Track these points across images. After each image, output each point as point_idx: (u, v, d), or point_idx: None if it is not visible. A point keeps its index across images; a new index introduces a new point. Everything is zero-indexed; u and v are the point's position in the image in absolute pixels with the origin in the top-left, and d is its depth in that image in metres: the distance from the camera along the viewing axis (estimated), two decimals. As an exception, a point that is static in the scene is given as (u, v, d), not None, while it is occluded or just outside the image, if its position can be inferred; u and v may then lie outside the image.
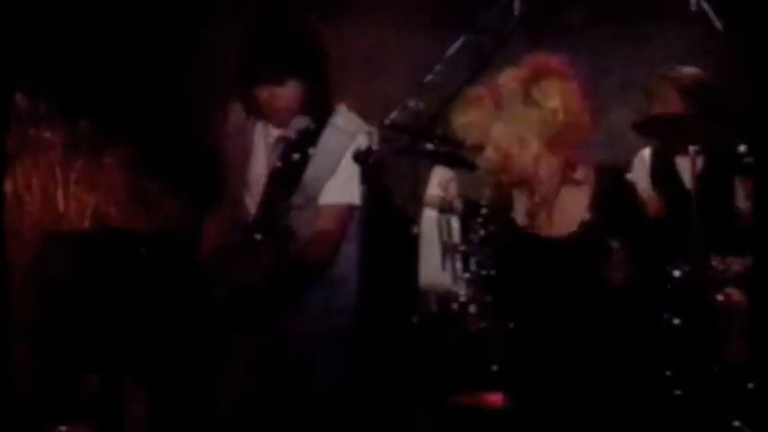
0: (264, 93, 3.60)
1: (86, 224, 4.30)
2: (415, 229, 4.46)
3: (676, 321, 3.69)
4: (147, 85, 4.94)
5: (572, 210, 3.53)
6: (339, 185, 3.65)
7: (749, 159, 4.13)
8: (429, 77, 4.93)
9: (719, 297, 3.94)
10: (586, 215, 3.49)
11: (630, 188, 3.60)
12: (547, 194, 3.51)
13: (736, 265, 4.02)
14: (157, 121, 4.85)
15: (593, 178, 3.53)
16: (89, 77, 4.91)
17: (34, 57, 4.66)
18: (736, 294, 4.00)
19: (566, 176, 3.53)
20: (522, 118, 3.44)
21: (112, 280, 3.84)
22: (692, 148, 3.99)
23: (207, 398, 3.77)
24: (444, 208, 4.11)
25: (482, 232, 3.95)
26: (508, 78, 3.48)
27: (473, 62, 5.31)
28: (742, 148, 4.17)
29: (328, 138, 3.62)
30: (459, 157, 4.42)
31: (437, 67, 4.97)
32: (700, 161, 4.17)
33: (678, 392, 3.64)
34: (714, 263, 3.99)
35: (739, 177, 4.29)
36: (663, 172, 4.55)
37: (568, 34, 5.30)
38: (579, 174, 3.54)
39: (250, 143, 3.71)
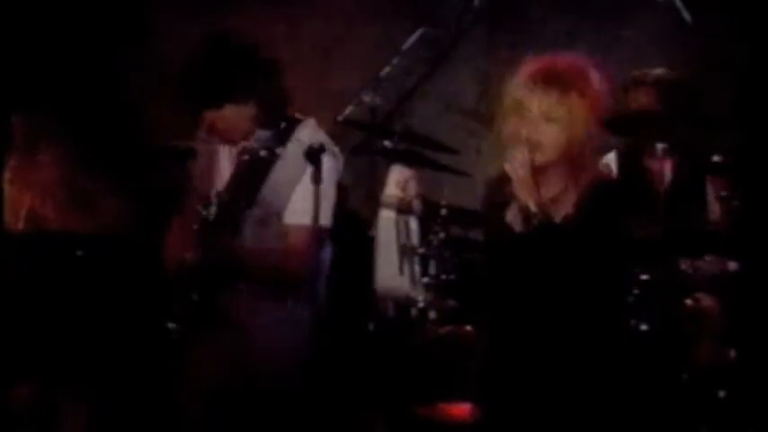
0: (210, 114, 3.63)
1: (21, 226, 4.25)
2: (372, 232, 4.52)
3: (644, 327, 3.68)
4: (83, 76, 4.89)
5: (560, 206, 3.51)
6: (307, 205, 3.65)
7: (720, 159, 4.17)
8: (386, 71, 5.02)
9: (689, 302, 3.91)
10: (570, 210, 3.48)
11: (618, 189, 3.59)
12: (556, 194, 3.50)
13: (706, 267, 4.04)
14: (96, 115, 4.79)
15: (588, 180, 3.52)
16: (20, 68, 4.85)
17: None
18: (705, 299, 3.99)
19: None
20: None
21: (48, 284, 3.83)
22: (659, 147, 3.99)
23: (154, 409, 3.74)
24: (402, 209, 4.09)
25: (442, 234, 3.92)
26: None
27: (431, 55, 5.43)
28: (712, 144, 4.20)
29: (290, 151, 3.65)
30: (418, 154, 4.45)
31: (394, 60, 5.05)
32: (669, 159, 4.15)
33: (645, 400, 3.64)
34: (683, 266, 3.96)
35: (710, 177, 4.32)
36: (631, 173, 4.54)
37: (528, 27, 5.31)
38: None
39: (215, 153, 3.74)
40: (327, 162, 3.64)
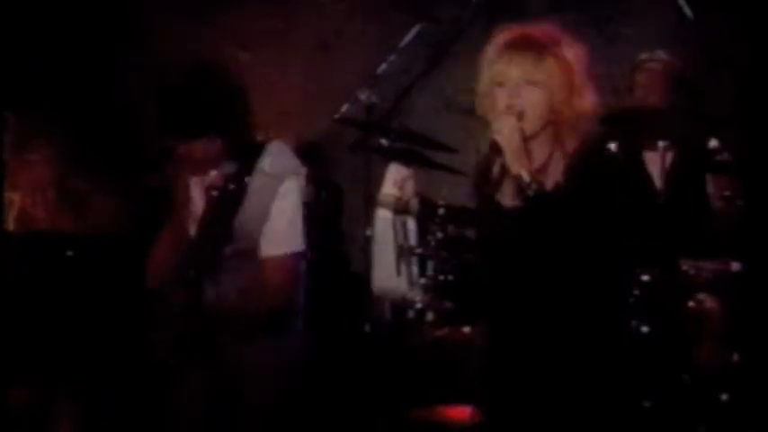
0: (181, 147, 3.61)
1: (11, 226, 4.23)
2: (368, 231, 4.50)
3: (645, 329, 3.69)
4: (78, 75, 4.88)
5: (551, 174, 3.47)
6: (278, 234, 3.63)
7: (723, 156, 4.15)
8: (382, 68, 5.03)
9: (691, 303, 3.92)
10: (560, 178, 3.42)
11: (610, 161, 3.55)
12: (542, 164, 3.44)
13: (709, 268, 4.02)
14: (90, 113, 4.78)
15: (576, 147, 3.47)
16: (15, 66, 4.81)
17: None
18: (708, 301, 3.98)
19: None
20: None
21: (39, 284, 3.80)
22: (661, 144, 4.00)
23: (147, 411, 3.73)
24: (399, 208, 4.07)
25: (440, 234, 3.92)
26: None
27: (429, 52, 5.42)
28: (713, 143, 4.18)
29: (255, 184, 3.62)
30: (416, 153, 4.43)
31: (391, 58, 5.06)
32: (669, 157, 4.18)
33: (647, 404, 3.65)
34: (685, 267, 3.96)
35: (712, 175, 4.30)
36: (629, 169, 4.52)
37: (528, 22, 5.26)
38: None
39: (186, 187, 3.72)
40: (289, 185, 3.63)
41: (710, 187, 4.26)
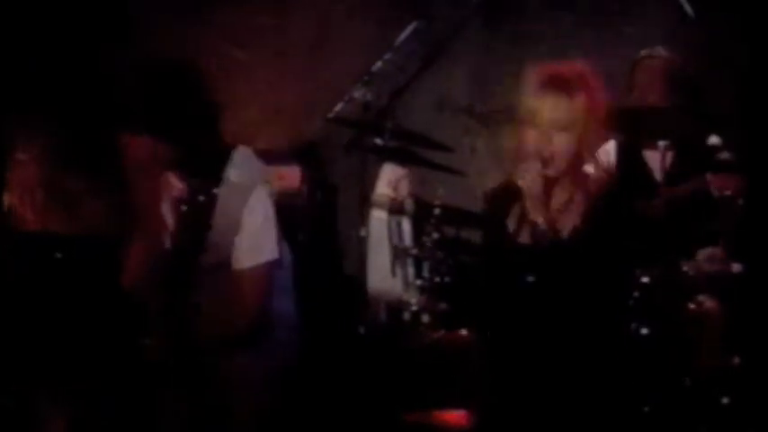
0: (134, 141, 3.60)
1: (-3, 227, 4.21)
2: (363, 232, 4.49)
3: (645, 331, 3.68)
4: (68, 72, 4.85)
5: (566, 216, 3.47)
6: (249, 245, 3.60)
7: (724, 155, 4.13)
8: (378, 66, 4.97)
9: (691, 305, 3.91)
10: (578, 221, 3.43)
11: (624, 197, 3.53)
12: (563, 203, 3.46)
13: (709, 269, 4.00)
14: (80, 111, 4.74)
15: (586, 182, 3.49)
16: (3, 64, 4.76)
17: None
18: (708, 302, 3.97)
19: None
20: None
21: (27, 286, 3.72)
22: (661, 143, 3.98)
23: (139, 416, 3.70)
24: (394, 209, 4.09)
25: (436, 235, 3.92)
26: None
27: (425, 50, 5.36)
28: (714, 140, 4.16)
29: (224, 195, 3.59)
30: (411, 152, 4.41)
31: (386, 56, 5.01)
32: (670, 157, 4.16)
33: (647, 407, 3.64)
34: (685, 268, 3.95)
35: (712, 174, 4.26)
36: (629, 167, 4.51)
37: (526, 22, 5.27)
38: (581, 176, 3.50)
39: (157, 193, 3.69)
40: (258, 195, 3.59)
41: (711, 187, 4.23)
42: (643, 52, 4.47)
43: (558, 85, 3.40)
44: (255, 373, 3.60)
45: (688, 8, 4.41)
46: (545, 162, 3.38)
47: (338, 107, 4.85)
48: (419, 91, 5.37)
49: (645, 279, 3.79)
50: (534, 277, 3.36)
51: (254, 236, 3.55)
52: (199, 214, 3.56)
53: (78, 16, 5.13)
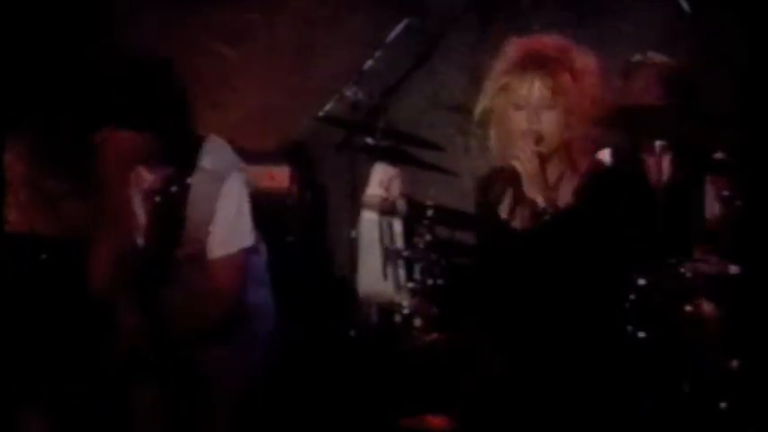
0: (107, 140, 3.57)
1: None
2: (354, 233, 4.51)
3: (641, 334, 3.64)
4: (50, 68, 4.81)
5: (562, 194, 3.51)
6: (224, 234, 3.60)
7: (721, 156, 4.10)
8: (368, 64, 4.94)
9: (688, 308, 3.84)
10: (570, 198, 3.47)
11: (621, 183, 3.59)
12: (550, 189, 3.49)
13: (707, 271, 3.94)
14: (63, 110, 4.71)
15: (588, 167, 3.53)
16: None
17: None
18: (706, 305, 3.91)
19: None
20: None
21: (9, 288, 3.75)
22: (657, 144, 3.95)
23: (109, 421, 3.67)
24: (386, 209, 4.09)
25: (428, 236, 3.90)
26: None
27: (418, 48, 5.34)
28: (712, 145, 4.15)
29: (197, 183, 3.58)
30: (402, 152, 4.40)
31: (377, 53, 4.97)
32: (666, 158, 4.13)
33: (644, 411, 3.59)
34: (682, 270, 3.88)
35: (710, 175, 4.23)
36: (625, 169, 4.46)
37: (521, 19, 5.22)
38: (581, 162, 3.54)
39: (128, 187, 3.68)
40: (232, 183, 3.58)
41: (709, 187, 4.22)
42: (636, 58, 4.43)
43: (541, 63, 3.41)
44: (232, 366, 3.59)
45: (685, 5, 4.39)
46: (537, 140, 3.40)
47: (328, 106, 4.85)
48: (411, 89, 5.35)
49: (641, 281, 3.73)
50: (530, 265, 3.38)
51: (228, 224, 3.54)
52: (172, 205, 3.55)
53: (62, 13, 5.10)
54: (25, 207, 4.22)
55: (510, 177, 3.43)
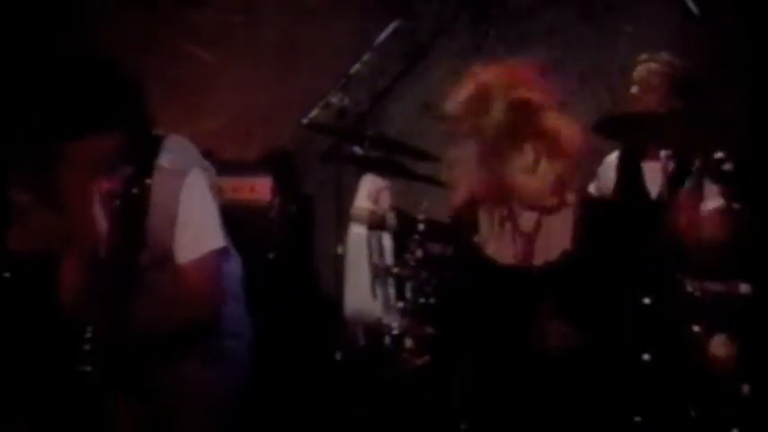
0: (70, 147, 3.49)
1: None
2: (340, 249, 4.49)
3: (646, 357, 3.61)
4: (18, 72, 4.78)
5: (553, 237, 3.41)
6: (190, 235, 3.56)
7: (728, 166, 4.03)
8: (355, 68, 4.90)
9: (696, 328, 3.83)
10: (568, 245, 3.40)
11: (617, 219, 3.52)
12: (531, 217, 3.43)
13: (715, 290, 3.88)
14: (34, 116, 4.70)
15: (576, 204, 3.45)
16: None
17: None
18: (714, 325, 3.85)
19: (557, 197, 3.44)
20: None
21: None
22: (663, 153, 3.92)
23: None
24: (375, 223, 4.04)
25: (419, 252, 3.87)
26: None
27: (407, 51, 5.33)
28: (719, 155, 4.07)
29: (158, 183, 3.55)
30: (392, 162, 4.36)
31: (365, 57, 4.95)
32: (671, 167, 4.08)
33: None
34: (689, 288, 3.86)
35: (719, 187, 4.17)
36: (629, 178, 4.49)
37: (518, 19, 5.22)
38: (569, 197, 3.46)
39: (88, 191, 3.64)
40: (193, 180, 3.55)
41: (716, 197, 4.17)
42: (643, 56, 4.43)
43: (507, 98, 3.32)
44: (201, 384, 3.55)
45: (692, 5, 4.36)
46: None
47: (313, 113, 4.81)
48: (401, 95, 5.35)
49: (646, 300, 3.69)
50: (515, 296, 3.33)
51: (194, 225, 3.51)
52: (133, 207, 3.51)
53: (29, 16, 5.07)
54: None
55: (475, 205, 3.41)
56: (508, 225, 3.41)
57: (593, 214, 3.39)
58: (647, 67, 4.40)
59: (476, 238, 3.43)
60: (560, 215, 3.40)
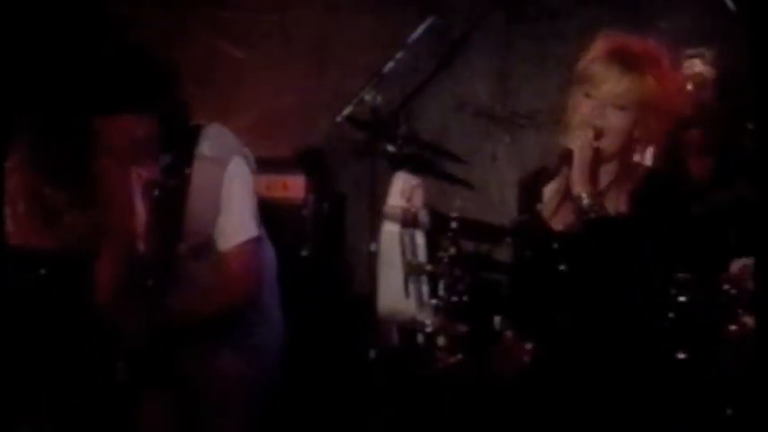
0: (105, 129, 3.59)
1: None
2: (373, 247, 4.50)
3: (681, 356, 3.61)
4: (53, 73, 4.84)
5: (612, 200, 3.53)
6: (234, 222, 3.63)
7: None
8: (389, 66, 4.89)
9: (733, 327, 3.80)
10: (622, 206, 3.51)
11: (677, 194, 3.61)
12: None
13: (751, 283, 3.85)
14: (68, 118, 4.75)
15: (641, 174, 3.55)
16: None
17: None
18: (752, 323, 3.82)
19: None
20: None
21: (8, 305, 3.77)
22: (703, 146, 4.05)
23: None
24: (408, 221, 4.00)
25: (452, 250, 3.86)
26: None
27: (441, 49, 5.34)
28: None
29: (198, 172, 3.61)
30: (426, 160, 4.40)
31: (398, 55, 4.93)
32: (711, 161, 4.20)
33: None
34: (726, 286, 3.83)
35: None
36: (676, 178, 4.45)
37: (551, 17, 5.26)
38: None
39: (128, 181, 3.70)
40: (235, 168, 3.62)
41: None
42: (688, 52, 4.42)
43: (628, 60, 3.46)
44: (232, 370, 3.63)
45: (730, 3, 4.37)
46: (597, 135, 3.45)
47: (346, 111, 4.80)
48: (435, 93, 5.35)
49: (681, 298, 3.69)
50: (566, 266, 3.40)
51: (237, 212, 3.58)
52: (173, 197, 3.57)
53: (63, 15, 5.13)
54: (25, 219, 4.25)
55: (567, 159, 3.48)
56: (568, 195, 3.49)
57: (651, 186, 3.49)
58: (688, 65, 4.40)
59: (538, 206, 3.55)
60: (619, 189, 3.49)
